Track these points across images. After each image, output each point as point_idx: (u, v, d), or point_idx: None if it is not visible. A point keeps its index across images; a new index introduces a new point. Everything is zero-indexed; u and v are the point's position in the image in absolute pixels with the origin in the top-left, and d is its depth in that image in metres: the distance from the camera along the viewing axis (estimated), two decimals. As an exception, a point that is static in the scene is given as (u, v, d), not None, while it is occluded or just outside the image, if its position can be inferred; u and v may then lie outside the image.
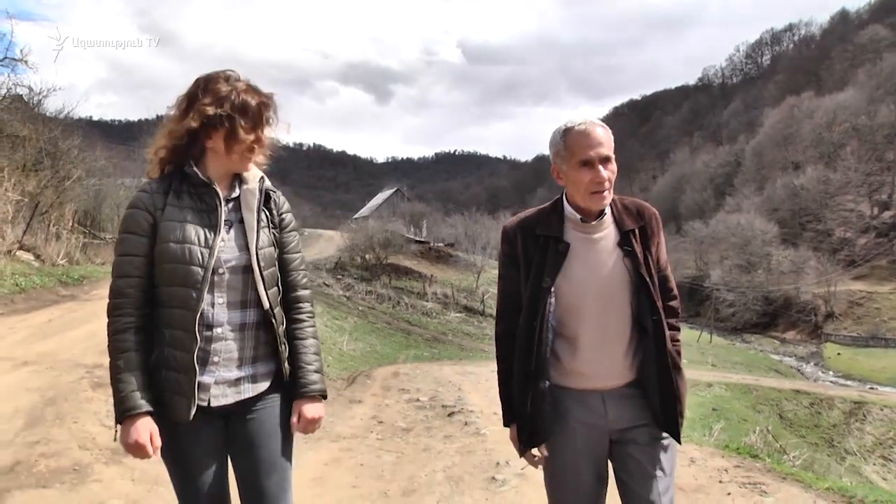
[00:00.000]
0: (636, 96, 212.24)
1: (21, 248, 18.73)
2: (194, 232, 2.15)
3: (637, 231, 2.37)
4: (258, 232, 2.24)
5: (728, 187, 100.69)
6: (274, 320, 2.25)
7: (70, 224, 24.13)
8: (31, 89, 20.80)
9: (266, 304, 2.21)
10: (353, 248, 47.74)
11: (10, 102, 19.87)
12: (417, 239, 62.87)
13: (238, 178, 2.30)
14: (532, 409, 2.35)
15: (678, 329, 2.46)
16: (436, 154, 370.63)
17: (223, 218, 2.21)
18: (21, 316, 10.85)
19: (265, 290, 2.21)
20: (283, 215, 2.38)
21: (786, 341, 61.21)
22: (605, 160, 2.27)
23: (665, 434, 2.36)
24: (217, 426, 2.23)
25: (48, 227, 21.74)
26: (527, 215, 2.51)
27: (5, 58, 18.18)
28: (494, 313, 2.60)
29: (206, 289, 2.12)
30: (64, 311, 11.92)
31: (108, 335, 2.14)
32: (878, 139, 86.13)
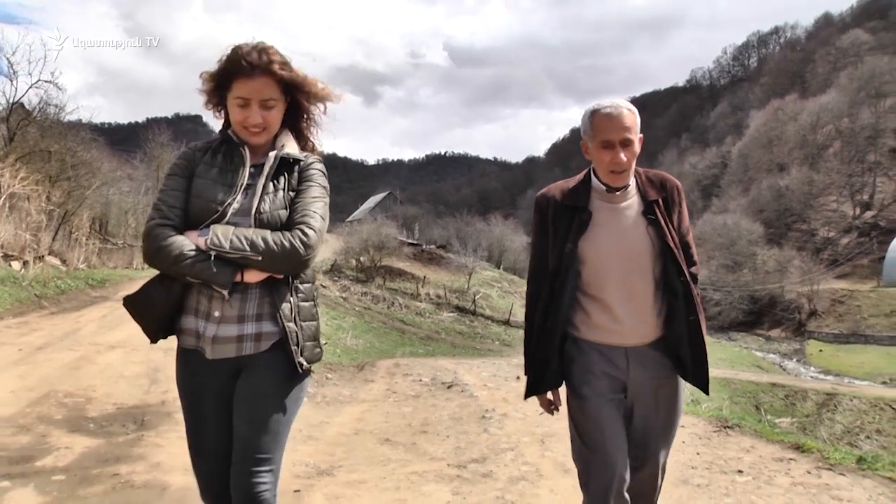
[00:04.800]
0: (625, 97, 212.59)
1: (50, 253, 20.31)
2: (213, 190, 2.21)
3: (661, 201, 2.54)
4: (262, 197, 2.23)
5: (715, 189, 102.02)
6: (271, 285, 2.25)
7: (87, 230, 25.54)
8: (57, 107, 22.31)
9: None
10: (348, 251, 48.73)
11: (43, 120, 21.35)
12: (410, 241, 63.92)
13: (273, 148, 2.34)
14: (542, 359, 2.60)
15: (697, 293, 2.61)
16: (426, 156, 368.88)
17: (244, 181, 2.24)
18: (75, 313, 12.44)
19: None
20: (305, 172, 2.37)
21: (771, 339, 61.02)
22: (625, 143, 2.42)
23: (671, 392, 2.58)
24: (224, 378, 2.27)
25: (70, 233, 23.32)
26: (557, 186, 2.67)
27: (38, 80, 19.67)
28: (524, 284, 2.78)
29: None
30: (108, 309, 13.51)
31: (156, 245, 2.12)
32: (860, 141, 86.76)
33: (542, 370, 2.59)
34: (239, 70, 2.16)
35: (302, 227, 2.21)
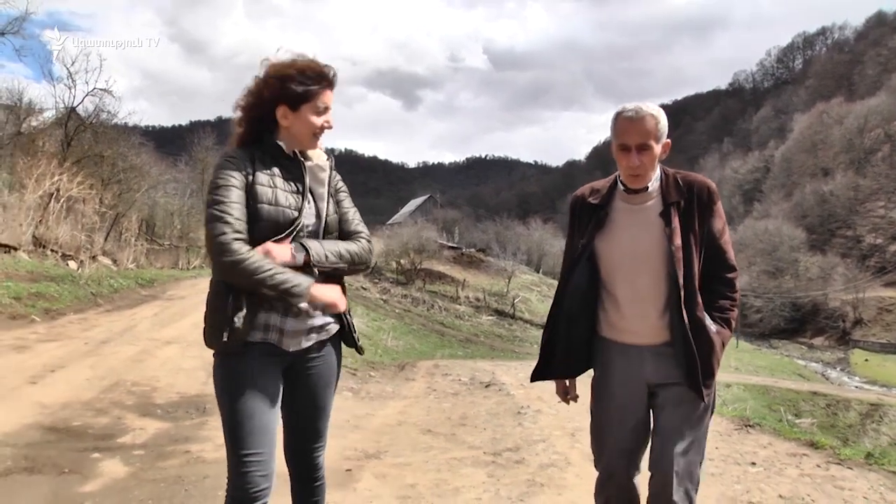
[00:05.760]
0: (667, 101, 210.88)
1: (103, 253, 21.14)
2: (285, 197, 2.32)
3: (682, 203, 2.50)
4: (328, 201, 2.45)
5: (757, 193, 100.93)
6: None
7: (136, 232, 26.45)
8: (110, 113, 23.21)
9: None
10: (389, 254, 49.31)
11: (97, 126, 22.22)
12: (450, 244, 64.33)
13: (303, 154, 2.46)
14: (547, 345, 2.71)
15: (731, 299, 2.57)
16: (466, 159, 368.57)
17: (307, 187, 2.41)
18: (129, 311, 13.04)
19: None
20: (337, 183, 2.55)
21: (813, 347, 60.73)
22: (641, 147, 2.44)
23: (689, 394, 2.48)
24: (276, 365, 2.38)
25: (119, 234, 24.23)
26: (588, 186, 2.76)
27: (94, 88, 20.53)
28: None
29: None
30: (160, 308, 14.13)
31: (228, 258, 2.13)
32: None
33: (547, 356, 2.71)
34: (327, 84, 2.38)
35: (363, 236, 2.52)
